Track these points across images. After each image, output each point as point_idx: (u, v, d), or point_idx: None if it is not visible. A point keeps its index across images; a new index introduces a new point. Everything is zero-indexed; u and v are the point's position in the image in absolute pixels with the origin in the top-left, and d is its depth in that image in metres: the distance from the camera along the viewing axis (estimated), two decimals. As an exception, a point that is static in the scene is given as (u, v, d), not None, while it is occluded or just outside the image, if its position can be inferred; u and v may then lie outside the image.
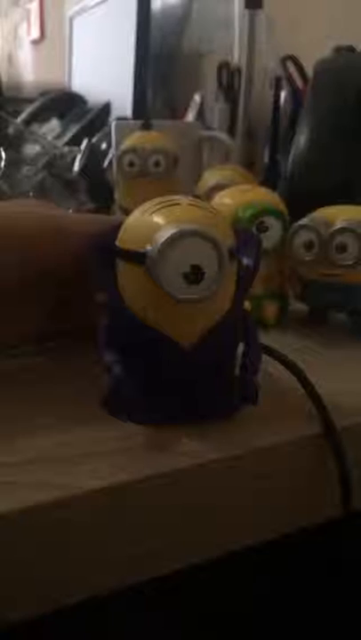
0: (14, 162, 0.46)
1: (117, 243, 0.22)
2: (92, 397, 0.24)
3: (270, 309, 0.33)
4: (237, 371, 0.24)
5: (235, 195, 0.33)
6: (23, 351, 0.28)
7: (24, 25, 2.01)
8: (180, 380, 0.23)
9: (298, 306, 0.35)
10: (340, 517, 0.23)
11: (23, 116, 1.01)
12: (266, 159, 0.71)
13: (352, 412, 0.24)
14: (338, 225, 0.30)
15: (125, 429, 0.22)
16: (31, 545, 0.19)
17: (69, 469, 0.20)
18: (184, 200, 0.22)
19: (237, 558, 0.23)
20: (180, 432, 0.22)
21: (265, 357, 0.25)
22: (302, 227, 0.31)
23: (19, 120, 0.99)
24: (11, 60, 2.16)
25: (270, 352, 0.25)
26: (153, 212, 0.22)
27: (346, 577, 0.27)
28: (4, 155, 0.43)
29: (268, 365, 0.25)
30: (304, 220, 0.31)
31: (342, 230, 0.30)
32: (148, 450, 0.21)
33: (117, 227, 0.23)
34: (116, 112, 0.99)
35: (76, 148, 0.57)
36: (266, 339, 0.26)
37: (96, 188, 0.60)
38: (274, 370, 0.25)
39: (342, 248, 0.30)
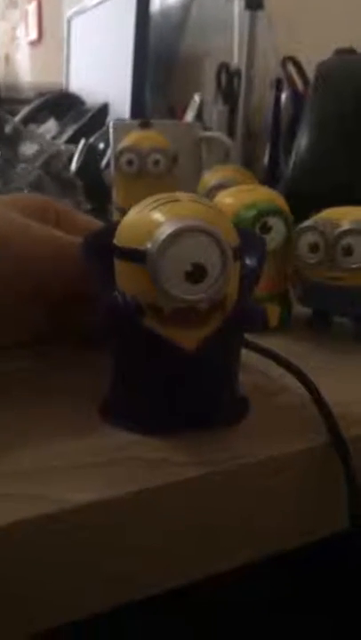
0: (9, 159, 0.45)
1: (115, 241, 0.21)
2: (88, 405, 0.23)
3: (272, 313, 0.32)
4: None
5: (237, 194, 0.32)
6: (17, 355, 0.27)
7: (22, 26, 2.01)
8: (181, 386, 0.21)
9: (301, 309, 0.33)
10: (347, 530, 0.22)
11: (20, 116, 1.00)
12: (266, 160, 0.71)
13: (358, 422, 0.23)
14: (345, 226, 0.29)
15: (123, 439, 0.21)
16: (24, 561, 0.18)
17: (63, 481, 0.19)
18: (185, 196, 0.21)
19: (241, 572, 0.22)
20: (181, 441, 0.21)
21: (271, 364, 0.24)
22: (307, 228, 0.30)
23: (16, 120, 0.98)
24: (8, 61, 2.15)
25: (276, 358, 0.24)
26: (152, 209, 0.20)
27: (352, 592, 0.25)
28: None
29: (275, 372, 0.24)
30: (309, 221, 0.30)
31: (349, 232, 0.29)
32: (146, 461, 0.20)
33: (113, 225, 0.22)
34: (114, 113, 0.98)
35: (72, 146, 0.56)
36: (269, 343, 0.25)
37: (93, 188, 0.59)
38: (280, 376, 0.24)
39: (349, 250, 0.29)
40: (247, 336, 0.25)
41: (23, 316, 0.25)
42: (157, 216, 0.20)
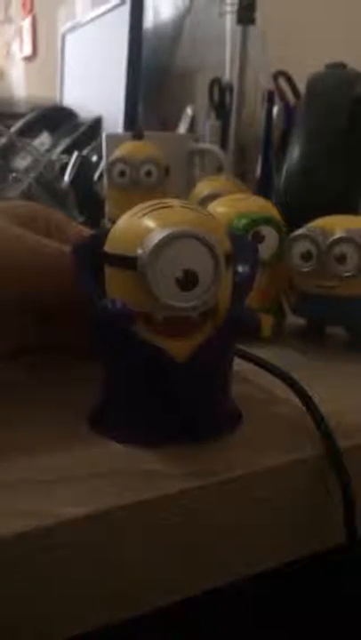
0: (3, 170, 0.44)
1: (105, 248, 0.21)
2: (78, 416, 0.22)
3: (266, 323, 0.32)
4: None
5: (229, 203, 0.32)
6: (6, 366, 0.27)
7: (17, 41, 2.02)
8: (172, 396, 0.21)
9: (294, 319, 0.33)
10: (342, 544, 0.22)
11: (14, 129, 1.00)
12: (258, 174, 0.71)
13: (353, 432, 0.23)
14: (337, 234, 0.29)
15: (114, 450, 0.21)
16: (12, 578, 0.17)
17: (54, 495, 0.18)
18: (177, 202, 0.21)
19: (235, 590, 0.21)
20: (172, 453, 0.21)
21: (265, 374, 0.23)
22: (300, 236, 0.30)
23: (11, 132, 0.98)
24: (3, 76, 2.17)
25: (271, 369, 0.23)
26: (144, 215, 0.20)
27: (347, 611, 0.25)
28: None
29: (268, 382, 0.23)
30: (302, 230, 0.30)
31: (342, 240, 0.29)
32: (138, 473, 0.20)
33: (104, 232, 0.21)
34: (107, 127, 0.98)
35: (64, 156, 0.56)
36: (262, 353, 0.24)
37: (86, 200, 0.59)
38: (273, 387, 0.24)
39: (342, 258, 0.29)
40: (240, 346, 0.24)
41: (9, 326, 0.25)
42: (149, 222, 0.20)
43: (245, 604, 0.28)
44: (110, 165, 0.46)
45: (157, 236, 0.19)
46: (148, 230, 0.19)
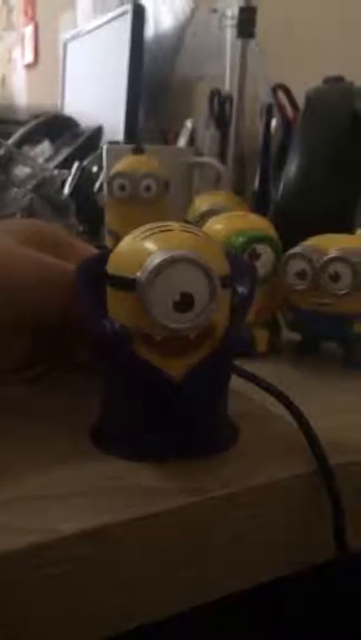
0: (3, 184, 0.45)
1: (107, 269, 0.22)
2: (77, 432, 0.23)
3: (261, 338, 0.33)
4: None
5: (227, 221, 0.33)
6: (5, 381, 0.27)
7: (18, 49, 2.03)
8: (170, 413, 0.22)
9: (290, 335, 0.34)
10: (334, 558, 0.22)
11: (14, 138, 1.00)
12: (256, 186, 0.71)
13: (347, 449, 0.23)
14: (331, 254, 0.30)
15: (111, 466, 0.21)
16: (7, 595, 0.17)
17: (45, 511, 0.19)
18: (176, 226, 0.21)
19: (230, 602, 0.22)
20: (168, 470, 0.21)
21: (260, 391, 0.24)
22: (295, 255, 0.31)
23: (10, 142, 0.99)
24: (4, 83, 2.18)
25: (265, 386, 0.24)
26: (144, 238, 0.21)
27: (339, 620, 0.25)
28: (-8, 176, 0.42)
29: (263, 398, 0.24)
30: (297, 249, 0.31)
31: (336, 259, 0.29)
32: (136, 489, 0.20)
33: (107, 253, 0.22)
34: (107, 136, 0.99)
35: (65, 171, 0.57)
36: (257, 369, 0.25)
37: (86, 211, 0.60)
38: (268, 403, 0.24)
39: (335, 277, 0.30)
40: (236, 362, 0.25)
41: (11, 343, 0.25)
42: (148, 245, 0.20)
43: (240, 613, 0.28)
44: (110, 179, 0.46)
45: (155, 260, 0.20)
46: (147, 253, 0.20)
